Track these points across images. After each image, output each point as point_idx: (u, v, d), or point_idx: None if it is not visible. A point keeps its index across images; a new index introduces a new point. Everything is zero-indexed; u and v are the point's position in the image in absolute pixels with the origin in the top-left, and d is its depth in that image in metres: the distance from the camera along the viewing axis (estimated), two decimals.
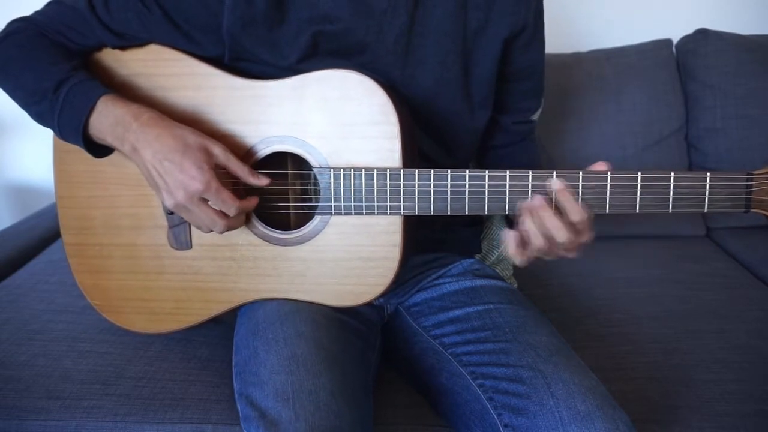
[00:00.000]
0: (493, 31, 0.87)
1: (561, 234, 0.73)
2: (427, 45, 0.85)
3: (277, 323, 0.81)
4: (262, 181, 0.80)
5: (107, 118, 0.78)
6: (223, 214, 0.78)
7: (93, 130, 0.79)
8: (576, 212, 0.74)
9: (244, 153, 0.83)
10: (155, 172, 0.76)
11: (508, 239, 0.76)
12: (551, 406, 0.71)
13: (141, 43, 0.85)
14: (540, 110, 1.03)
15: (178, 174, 0.75)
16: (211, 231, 0.80)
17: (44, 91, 0.79)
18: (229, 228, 0.80)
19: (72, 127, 0.79)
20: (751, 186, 0.74)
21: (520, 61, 0.92)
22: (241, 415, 0.74)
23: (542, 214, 0.74)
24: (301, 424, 0.67)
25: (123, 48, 0.85)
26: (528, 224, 0.75)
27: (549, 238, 0.74)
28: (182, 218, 0.85)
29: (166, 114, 0.82)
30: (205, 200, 0.76)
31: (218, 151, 0.77)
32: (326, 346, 0.78)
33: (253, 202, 0.81)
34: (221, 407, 0.87)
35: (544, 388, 0.73)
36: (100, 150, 0.82)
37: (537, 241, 0.75)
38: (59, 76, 0.79)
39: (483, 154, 1.03)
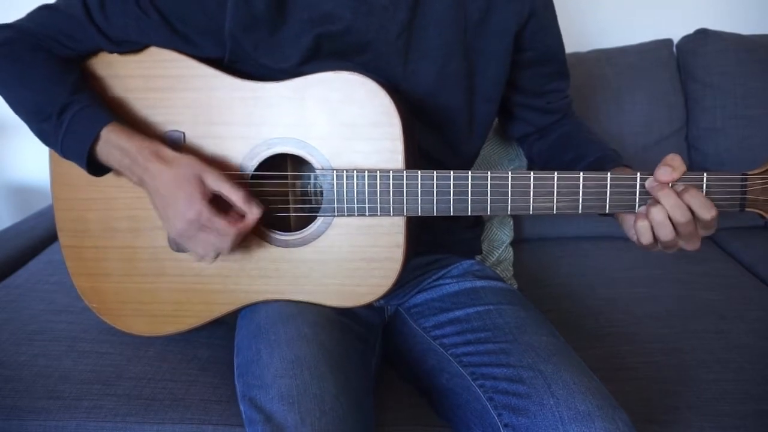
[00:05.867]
0: (498, 22, 0.86)
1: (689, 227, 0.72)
2: (429, 38, 0.85)
3: (279, 324, 0.81)
4: (253, 212, 0.78)
5: (113, 149, 0.79)
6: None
7: (100, 156, 0.81)
8: (707, 209, 0.72)
9: (245, 155, 0.83)
10: (159, 204, 0.79)
11: (643, 229, 0.74)
12: (551, 405, 0.71)
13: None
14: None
15: (174, 205, 0.77)
16: (217, 255, 0.81)
17: (47, 115, 0.80)
18: (231, 250, 0.80)
19: (76, 153, 0.81)
20: (746, 186, 0.75)
21: (538, 47, 0.92)
22: (244, 417, 0.74)
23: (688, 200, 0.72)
24: (307, 428, 0.68)
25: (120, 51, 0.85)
26: (659, 215, 0.73)
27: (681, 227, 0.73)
28: None
29: (164, 116, 0.83)
30: (204, 229, 0.77)
31: (210, 180, 0.78)
32: (329, 349, 0.78)
33: (249, 223, 0.79)
34: (222, 408, 0.87)
35: (545, 388, 0.73)
36: (101, 169, 0.83)
37: (665, 231, 0.73)
38: (62, 100, 0.80)
39: (531, 143, 1.03)
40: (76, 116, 0.79)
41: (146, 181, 0.79)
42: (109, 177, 0.86)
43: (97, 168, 0.83)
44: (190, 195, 0.76)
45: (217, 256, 0.81)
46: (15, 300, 1.12)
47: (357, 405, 0.74)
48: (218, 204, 0.78)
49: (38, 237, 1.39)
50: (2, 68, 0.83)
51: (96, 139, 0.79)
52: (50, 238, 1.39)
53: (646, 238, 0.75)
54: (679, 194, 0.72)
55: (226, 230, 0.77)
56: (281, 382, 0.72)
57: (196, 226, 0.77)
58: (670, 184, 0.73)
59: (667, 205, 0.72)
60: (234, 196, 0.78)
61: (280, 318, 0.82)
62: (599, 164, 0.87)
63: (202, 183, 0.77)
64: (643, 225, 0.74)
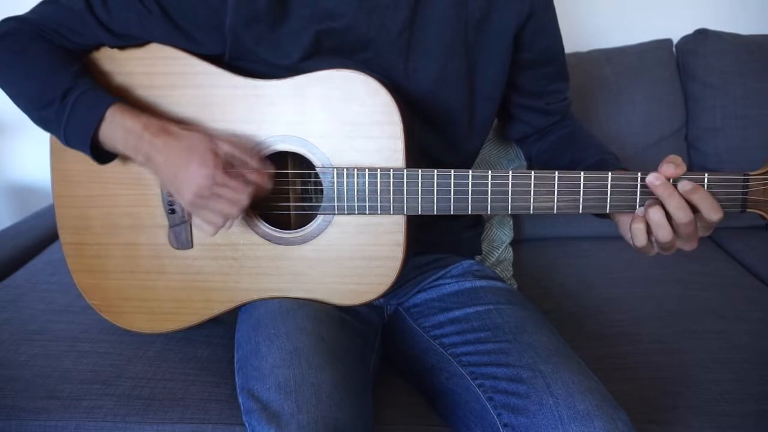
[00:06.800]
0: (498, 21, 0.86)
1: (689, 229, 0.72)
2: (430, 37, 0.85)
3: (279, 318, 0.81)
4: (264, 175, 0.78)
5: (117, 129, 0.79)
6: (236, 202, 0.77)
7: (104, 139, 0.80)
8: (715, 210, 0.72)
9: None
10: (169, 175, 0.77)
11: (637, 231, 0.74)
12: (551, 405, 0.71)
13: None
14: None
15: (186, 172, 0.76)
16: (229, 221, 0.79)
17: (49, 101, 0.80)
18: (242, 211, 0.78)
19: (80, 137, 0.80)
20: (747, 187, 0.75)
21: (537, 48, 0.92)
22: (242, 408, 0.75)
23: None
24: (304, 416, 0.68)
25: (122, 47, 0.85)
26: (657, 216, 0.73)
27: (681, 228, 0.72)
28: (183, 217, 0.85)
29: (166, 113, 0.83)
30: (219, 190, 0.76)
31: (223, 146, 0.77)
32: (328, 342, 0.78)
33: (262, 181, 0.79)
34: (221, 407, 0.87)
35: (544, 388, 0.73)
36: (104, 157, 0.83)
37: (663, 232, 0.73)
38: (64, 85, 0.79)
39: (530, 144, 1.03)
40: (79, 99, 0.79)
41: (153, 156, 0.78)
42: (110, 173, 0.86)
43: (100, 154, 0.82)
44: (203, 159, 0.76)
45: (235, 216, 0.78)
46: (15, 300, 1.12)
47: (355, 396, 0.74)
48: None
49: (38, 237, 1.39)
50: (4, 58, 0.83)
51: (101, 120, 0.78)
52: (50, 238, 1.39)
53: (639, 241, 0.75)
54: (685, 194, 0.72)
55: (240, 187, 0.76)
56: (279, 372, 0.73)
57: (209, 191, 0.76)
58: (671, 181, 0.73)
59: (671, 205, 0.72)
60: (246, 156, 0.78)
61: (280, 312, 0.82)
62: (598, 168, 0.87)
63: (214, 150, 0.77)
64: (637, 227, 0.74)
